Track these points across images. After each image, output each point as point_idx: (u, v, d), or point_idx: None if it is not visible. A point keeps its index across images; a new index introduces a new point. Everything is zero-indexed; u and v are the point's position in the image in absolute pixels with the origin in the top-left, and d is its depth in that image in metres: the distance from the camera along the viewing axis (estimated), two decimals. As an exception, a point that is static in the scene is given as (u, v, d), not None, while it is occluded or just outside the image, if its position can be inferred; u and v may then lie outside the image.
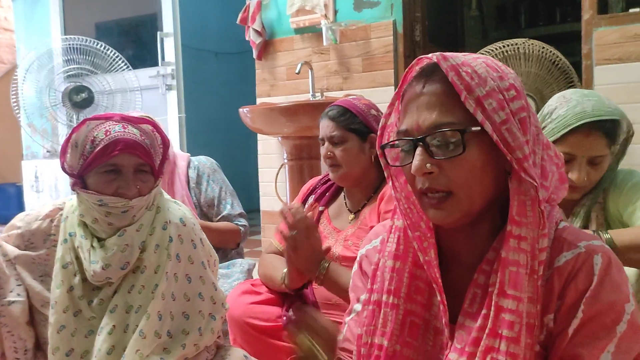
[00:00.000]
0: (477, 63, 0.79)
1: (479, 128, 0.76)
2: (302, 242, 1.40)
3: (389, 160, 0.85)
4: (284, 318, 1.58)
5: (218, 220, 2.13)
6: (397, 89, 0.85)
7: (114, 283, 1.29)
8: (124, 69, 3.63)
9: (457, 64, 0.77)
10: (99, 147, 1.24)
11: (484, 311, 0.78)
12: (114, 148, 1.24)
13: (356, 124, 1.58)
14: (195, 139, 4.41)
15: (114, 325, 1.25)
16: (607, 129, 1.38)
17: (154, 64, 4.11)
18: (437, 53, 0.79)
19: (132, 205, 1.27)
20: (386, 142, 0.86)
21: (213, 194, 2.15)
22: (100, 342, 1.24)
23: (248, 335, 1.61)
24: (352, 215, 1.64)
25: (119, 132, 1.26)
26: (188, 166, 2.19)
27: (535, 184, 0.76)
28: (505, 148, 0.76)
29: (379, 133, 0.88)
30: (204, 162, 2.22)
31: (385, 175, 0.87)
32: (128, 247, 1.27)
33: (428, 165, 0.77)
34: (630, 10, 2.52)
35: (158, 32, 4.01)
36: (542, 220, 0.76)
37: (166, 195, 1.42)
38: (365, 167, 1.59)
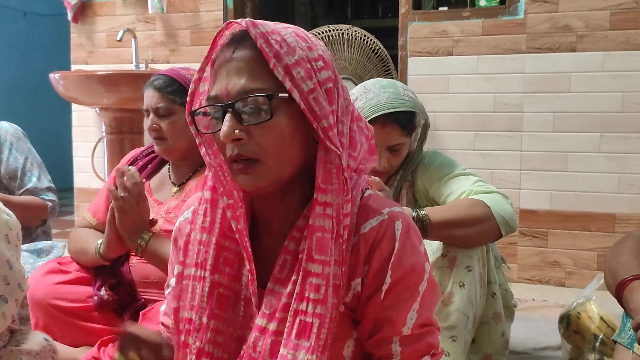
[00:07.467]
0: (287, 32, 0.80)
1: (286, 95, 0.77)
2: (132, 207, 1.38)
3: (201, 128, 0.83)
4: (95, 297, 1.49)
5: (21, 194, 1.92)
6: (207, 54, 0.83)
7: None
8: None
9: (267, 31, 0.78)
10: None
11: (293, 277, 0.80)
12: None
13: (184, 95, 1.52)
14: (-4, 107, 3.90)
15: None
16: (401, 120, 1.48)
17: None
18: (247, 19, 0.79)
19: None
20: (196, 108, 0.84)
21: (16, 165, 1.93)
22: None
23: (53, 318, 1.49)
24: (176, 188, 1.58)
25: None
26: None
27: (339, 153, 0.79)
28: (312, 116, 0.78)
29: (188, 99, 0.85)
30: (6, 128, 1.98)
31: (197, 143, 0.84)
32: None
33: (237, 131, 0.77)
34: (440, 9, 2.78)
35: (-51, -20, 3.45)
36: (346, 187, 0.80)
37: None
38: (192, 141, 1.51)
